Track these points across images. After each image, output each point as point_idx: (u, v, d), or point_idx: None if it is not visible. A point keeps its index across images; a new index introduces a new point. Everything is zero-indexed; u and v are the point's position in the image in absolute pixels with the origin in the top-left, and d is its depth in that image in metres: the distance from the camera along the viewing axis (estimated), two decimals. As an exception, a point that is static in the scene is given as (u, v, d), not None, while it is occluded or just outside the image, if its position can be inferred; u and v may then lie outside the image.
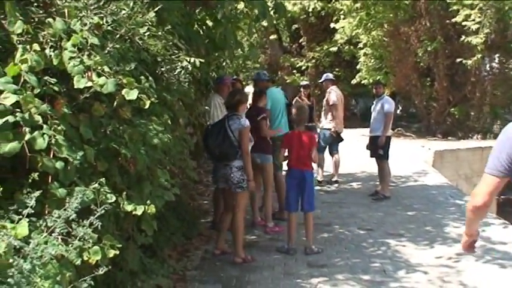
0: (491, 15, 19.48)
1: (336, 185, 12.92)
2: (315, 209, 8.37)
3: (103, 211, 3.44)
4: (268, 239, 8.71)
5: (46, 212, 3.54)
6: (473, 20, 19.33)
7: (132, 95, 3.93)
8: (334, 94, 12.78)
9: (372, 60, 24.69)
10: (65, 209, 3.37)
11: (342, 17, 24.66)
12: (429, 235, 8.81)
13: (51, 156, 3.58)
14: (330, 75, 13.46)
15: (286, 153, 8.25)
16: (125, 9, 4.84)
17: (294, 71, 30.37)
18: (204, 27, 8.75)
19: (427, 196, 11.74)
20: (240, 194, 7.51)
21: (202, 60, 5.81)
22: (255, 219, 9.44)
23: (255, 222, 9.41)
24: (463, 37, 19.79)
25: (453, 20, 20.08)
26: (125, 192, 4.02)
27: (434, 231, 9.04)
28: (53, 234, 3.23)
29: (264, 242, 8.61)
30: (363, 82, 24.45)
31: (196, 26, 8.52)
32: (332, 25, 25.52)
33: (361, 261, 7.61)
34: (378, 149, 11.41)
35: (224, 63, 11.63)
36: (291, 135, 8.36)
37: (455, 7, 19.89)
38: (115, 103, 4.17)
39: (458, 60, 20.28)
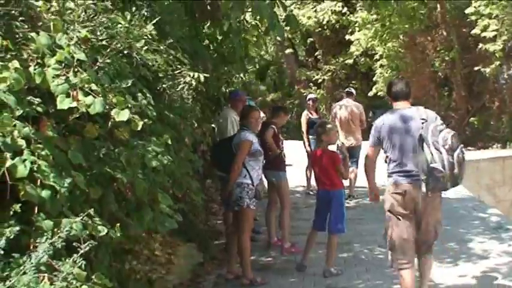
0: (508, 23, 19.12)
1: (354, 200, 12.47)
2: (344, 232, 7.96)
3: (89, 246, 3.08)
4: (284, 261, 8.30)
5: (31, 246, 3.21)
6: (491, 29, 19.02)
7: (123, 115, 3.55)
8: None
9: (389, 72, 24.39)
10: (50, 244, 3.03)
11: (357, 29, 24.40)
12: (453, 252, 8.41)
13: (38, 184, 3.25)
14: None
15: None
16: (121, 23, 4.52)
17: (311, 84, 30.20)
18: (214, 41, 8.50)
19: (449, 210, 11.18)
20: (242, 213, 7.20)
21: (207, 75, 5.46)
22: (271, 240, 9.06)
23: (270, 242, 9.04)
24: (481, 45, 19.44)
25: (472, 32, 19.74)
26: (118, 224, 3.63)
27: (458, 247, 8.63)
28: (29, 273, 2.88)
29: (280, 264, 8.23)
30: (379, 94, 24.13)
31: (206, 40, 8.28)
32: (347, 37, 25.29)
33: (383, 283, 7.25)
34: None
35: (234, 79, 11.27)
36: (312, 155, 8.15)
37: (472, 17, 19.55)
38: (109, 123, 3.83)
39: (476, 68, 19.90)
